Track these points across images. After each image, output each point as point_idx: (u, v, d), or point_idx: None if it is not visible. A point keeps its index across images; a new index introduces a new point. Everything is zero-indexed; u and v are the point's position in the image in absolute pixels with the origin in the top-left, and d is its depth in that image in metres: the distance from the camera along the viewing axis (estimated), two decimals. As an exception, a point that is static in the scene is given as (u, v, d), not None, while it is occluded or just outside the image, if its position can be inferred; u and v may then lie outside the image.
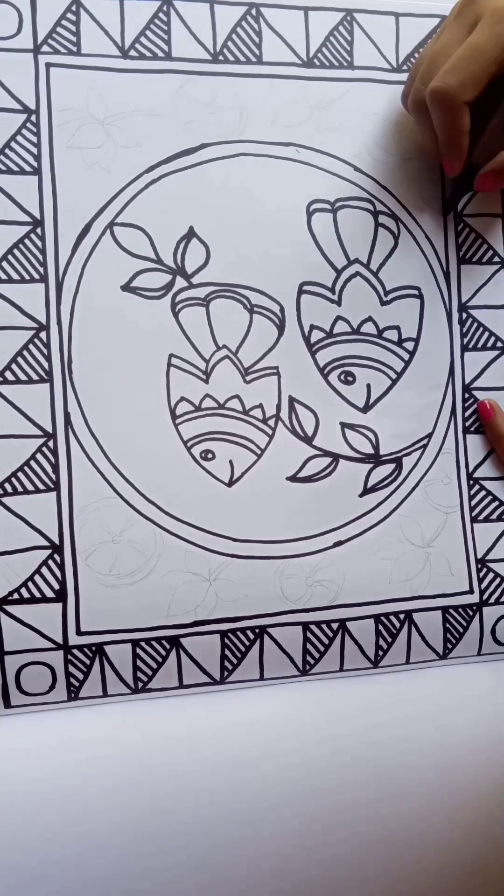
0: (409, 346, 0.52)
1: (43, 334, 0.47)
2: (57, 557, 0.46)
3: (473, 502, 0.53)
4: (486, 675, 0.53)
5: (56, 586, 0.46)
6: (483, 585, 0.53)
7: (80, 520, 0.47)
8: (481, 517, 0.54)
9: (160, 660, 0.48)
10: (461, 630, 0.53)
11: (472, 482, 0.54)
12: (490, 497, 0.54)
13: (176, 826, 0.45)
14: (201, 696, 0.49)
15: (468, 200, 0.54)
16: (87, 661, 0.47)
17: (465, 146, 0.47)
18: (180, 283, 0.49)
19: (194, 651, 0.48)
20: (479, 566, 0.53)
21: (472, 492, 0.53)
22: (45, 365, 0.47)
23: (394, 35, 0.52)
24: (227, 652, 0.49)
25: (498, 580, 0.53)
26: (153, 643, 0.48)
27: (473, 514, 0.53)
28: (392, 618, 0.51)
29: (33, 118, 0.47)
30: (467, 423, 0.53)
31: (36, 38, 0.47)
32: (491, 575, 0.53)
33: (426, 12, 0.53)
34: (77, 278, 0.47)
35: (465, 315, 0.53)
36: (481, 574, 0.53)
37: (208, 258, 0.49)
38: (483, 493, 0.54)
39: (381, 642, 0.51)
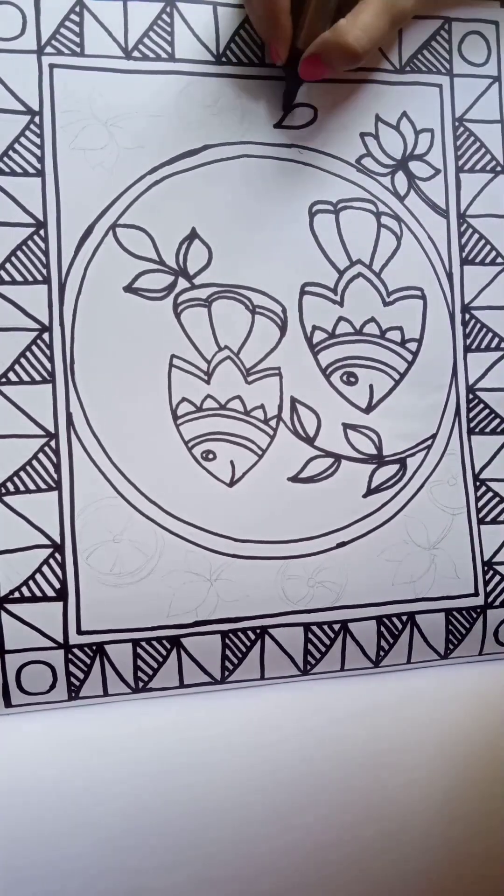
0: (412, 346, 0.52)
1: (46, 335, 0.47)
2: (58, 556, 0.47)
3: (480, 504, 0.53)
4: (487, 674, 0.53)
5: (57, 585, 0.46)
6: (489, 588, 0.53)
7: (82, 519, 0.47)
8: (488, 519, 0.53)
9: (161, 659, 0.48)
10: (464, 632, 0.52)
11: (478, 483, 0.53)
12: (497, 499, 0.54)
13: (176, 825, 0.45)
14: (202, 695, 0.49)
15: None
16: (88, 661, 0.47)
17: (286, 27, 0.47)
18: (182, 284, 0.49)
19: (195, 651, 0.48)
20: (486, 568, 0.53)
21: (479, 493, 0.53)
22: (48, 366, 0.47)
23: (396, 36, 0.52)
24: (227, 652, 0.49)
25: (504, 583, 0.53)
26: (154, 643, 0.48)
27: (480, 515, 0.53)
28: (394, 619, 0.51)
29: (37, 119, 0.47)
30: (472, 424, 0.53)
31: (39, 40, 0.47)
32: (497, 578, 0.53)
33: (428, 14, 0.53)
34: (80, 279, 0.48)
35: (467, 316, 0.53)
36: (487, 576, 0.53)
37: (210, 259, 0.49)
38: (490, 494, 0.53)
39: (383, 643, 0.51)
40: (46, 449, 0.47)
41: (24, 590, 0.46)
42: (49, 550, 0.47)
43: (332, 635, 0.50)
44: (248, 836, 0.46)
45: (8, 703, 0.47)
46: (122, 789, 0.45)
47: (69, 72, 0.48)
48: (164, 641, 0.48)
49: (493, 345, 0.54)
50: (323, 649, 0.50)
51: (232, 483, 0.49)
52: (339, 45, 0.45)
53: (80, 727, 0.47)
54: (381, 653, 0.51)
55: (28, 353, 0.47)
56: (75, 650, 0.47)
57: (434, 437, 0.53)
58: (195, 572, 0.48)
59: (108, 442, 0.47)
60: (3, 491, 0.46)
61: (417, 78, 0.53)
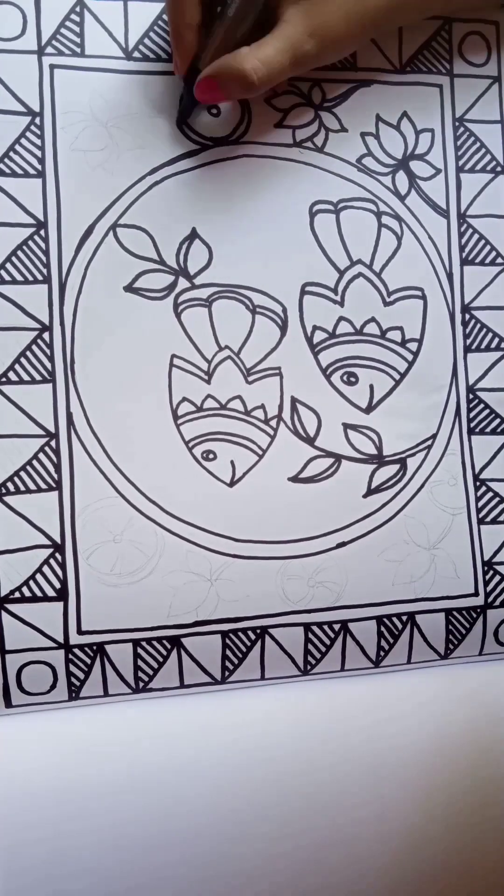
0: (413, 346, 0.52)
1: (46, 335, 0.47)
2: (58, 556, 0.47)
3: (480, 504, 0.53)
4: (487, 674, 0.53)
5: (57, 585, 0.46)
6: (489, 588, 0.53)
7: (82, 519, 0.47)
8: (488, 519, 0.53)
9: (161, 659, 0.48)
10: (464, 632, 0.52)
11: (478, 483, 0.53)
12: (497, 499, 0.54)
13: (176, 825, 0.45)
14: (202, 695, 0.49)
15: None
16: (88, 661, 0.47)
17: (190, 43, 0.46)
18: (183, 283, 0.49)
19: (195, 651, 0.48)
20: (486, 568, 0.53)
21: (479, 493, 0.53)
22: (48, 365, 0.47)
23: (396, 37, 0.52)
24: (228, 652, 0.49)
25: (504, 583, 0.53)
26: (154, 643, 0.48)
27: (480, 515, 0.53)
28: (395, 619, 0.51)
29: (37, 120, 0.47)
30: (472, 424, 0.53)
31: (40, 40, 0.47)
32: (497, 578, 0.53)
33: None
34: (80, 279, 0.48)
35: (467, 316, 0.53)
36: (487, 576, 0.53)
37: (211, 259, 0.49)
38: (490, 494, 0.53)
39: (383, 643, 0.51)
40: (47, 449, 0.47)
41: (25, 590, 0.46)
42: (49, 550, 0.47)
43: (332, 635, 0.50)
44: (248, 835, 0.46)
45: (8, 704, 0.47)
46: (123, 789, 0.45)
47: (69, 72, 0.48)
48: (165, 641, 0.48)
49: (493, 345, 0.54)
50: (323, 649, 0.50)
51: (232, 483, 0.49)
52: (236, 71, 0.44)
53: (80, 727, 0.47)
54: (381, 653, 0.51)
55: (28, 353, 0.47)
56: (76, 650, 0.47)
57: (434, 437, 0.53)
58: (195, 572, 0.48)
59: (108, 442, 0.47)
60: (4, 491, 0.46)
61: (418, 78, 0.53)
